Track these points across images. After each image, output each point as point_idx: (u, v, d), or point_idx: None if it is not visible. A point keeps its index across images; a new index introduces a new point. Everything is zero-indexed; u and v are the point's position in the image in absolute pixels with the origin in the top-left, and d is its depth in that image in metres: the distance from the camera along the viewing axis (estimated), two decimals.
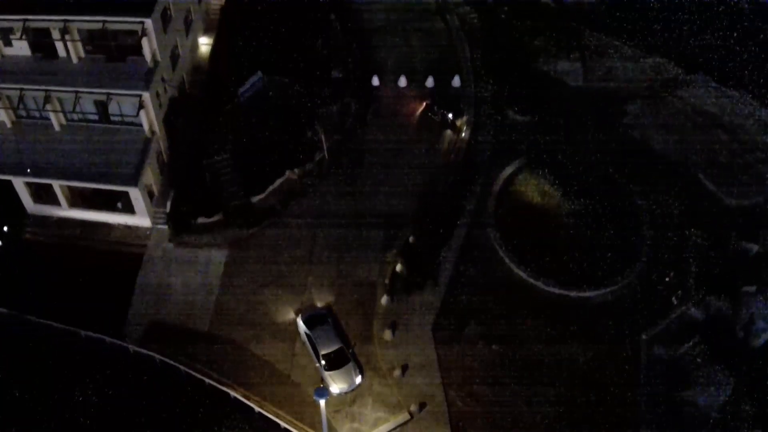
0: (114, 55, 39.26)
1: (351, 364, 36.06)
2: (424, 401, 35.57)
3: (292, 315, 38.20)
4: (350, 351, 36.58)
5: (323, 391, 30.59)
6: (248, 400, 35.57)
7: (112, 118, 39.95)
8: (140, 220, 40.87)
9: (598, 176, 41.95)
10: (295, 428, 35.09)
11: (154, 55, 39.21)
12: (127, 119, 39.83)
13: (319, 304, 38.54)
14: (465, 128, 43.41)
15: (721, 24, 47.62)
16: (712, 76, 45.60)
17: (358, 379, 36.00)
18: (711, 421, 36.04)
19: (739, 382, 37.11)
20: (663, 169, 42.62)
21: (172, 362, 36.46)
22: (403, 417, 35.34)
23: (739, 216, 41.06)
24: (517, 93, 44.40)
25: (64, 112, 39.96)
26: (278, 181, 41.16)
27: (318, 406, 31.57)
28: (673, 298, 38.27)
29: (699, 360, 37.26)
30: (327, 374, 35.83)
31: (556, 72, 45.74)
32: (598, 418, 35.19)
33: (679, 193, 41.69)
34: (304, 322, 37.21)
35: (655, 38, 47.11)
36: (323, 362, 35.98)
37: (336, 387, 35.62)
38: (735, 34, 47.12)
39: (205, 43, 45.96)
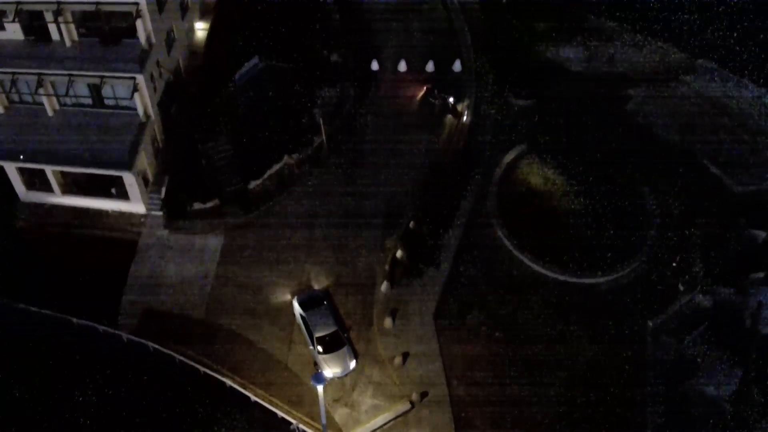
0: (108, 38, 38.49)
1: (346, 348, 35.32)
2: (426, 390, 34.79)
3: (289, 301, 37.36)
4: (345, 335, 35.85)
5: (321, 377, 29.77)
6: (244, 389, 34.78)
7: (106, 101, 39.25)
8: (134, 206, 40.09)
9: (601, 163, 41.17)
10: (293, 417, 34.27)
11: (148, 38, 38.53)
12: (121, 103, 39.08)
13: (316, 287, 37.85)
14: (466, 113, 42.69)
15: (725, 10, 46.92)
16: (717, 62, 44.96)
17: (353, 364, 35.27)
18: (720, 410, 35.35)
19: (748, 371, 36.47)
20: (667, 155, 41.88)
21: (166, 351, 35.63)
22: (404, 406, 34.55)
23: (746, 202, 40.34)
24: (518, 78, 43.67)
25: (57, 96, 39.19)
26: (276, 167, 40.42)
27: (313, 397, 30.87)
28: (680, 285, 37.57)
29: (706, 348, 36.64)
30: (321, 357, 35.12)
31: (559, 57, 45.02)
32: (600, 416, 34.35)
33: (685, 179, 40.96)
34: (300, 304, 36.50)
35: (658, 24, 46.42)
36: (317, 345, 35.26)
37: (329, 371, 34.88)
38: (739, 21, 46.42)
39: (201, 28, 45.26)
